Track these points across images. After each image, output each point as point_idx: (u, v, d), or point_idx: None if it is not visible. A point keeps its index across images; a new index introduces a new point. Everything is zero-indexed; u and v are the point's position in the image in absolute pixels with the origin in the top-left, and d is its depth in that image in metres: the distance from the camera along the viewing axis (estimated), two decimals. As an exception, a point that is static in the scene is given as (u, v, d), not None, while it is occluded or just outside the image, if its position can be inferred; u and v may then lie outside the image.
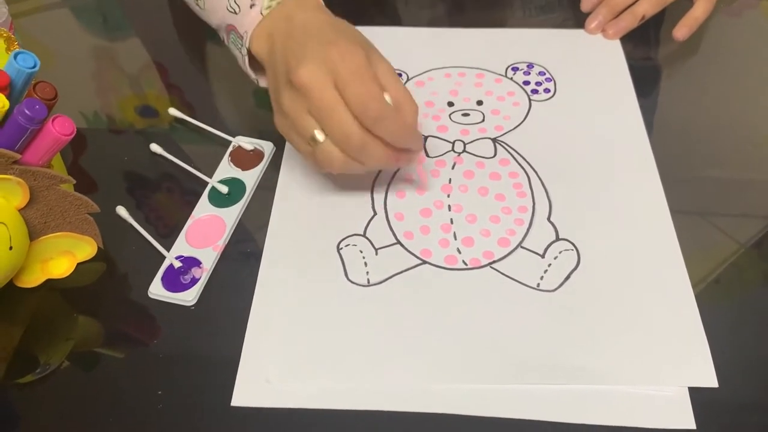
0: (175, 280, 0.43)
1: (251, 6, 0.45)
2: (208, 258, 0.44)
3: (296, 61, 0.39)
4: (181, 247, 0.45)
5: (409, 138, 0.41)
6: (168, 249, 0.44)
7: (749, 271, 0.44)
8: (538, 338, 0.39)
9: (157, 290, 0.42)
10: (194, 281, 0.43)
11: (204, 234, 0.46)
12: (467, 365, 0.38)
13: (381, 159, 0.41)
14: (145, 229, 0.45)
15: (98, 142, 0.54)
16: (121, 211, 0.47)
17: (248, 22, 0.45)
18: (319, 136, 0.40)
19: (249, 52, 0.46)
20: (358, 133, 0.39)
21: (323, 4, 0.46)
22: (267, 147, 0.51)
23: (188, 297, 0.42)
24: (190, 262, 0.44)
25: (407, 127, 0.41)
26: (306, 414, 0.37)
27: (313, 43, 0.40)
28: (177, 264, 0.44)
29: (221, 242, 0.45)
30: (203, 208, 0.47)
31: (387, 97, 0.40)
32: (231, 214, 0.47)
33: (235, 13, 0.46)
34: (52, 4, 0.69)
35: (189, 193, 0.48)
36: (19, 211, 0.39)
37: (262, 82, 0.48)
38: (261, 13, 0.45)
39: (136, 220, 0.46)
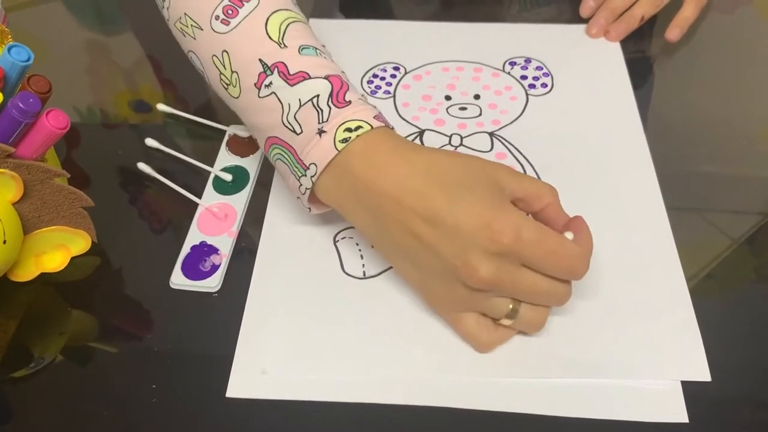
0: (195, 269, 0.43)
1: (320, 133, 0.37)
2: (225, 244, 0.44)
3: (457, 258, 0.34)
4: (195, 235, 0.45)
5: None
6: (181, 241, 0.44)
7: (743, 266, 0.44)
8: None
9: (178, 280, 0.42)
10: (215, 268, 0.43)
11: (216, 221, 0.46)
12: (461, 358, 0.38)
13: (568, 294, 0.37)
14: (142, 220, 0.45)
15: (93, 136, 0.54)
16: (143, 166, 0.49)
17: (317, 155, 0.37)
18: (517, 306, 0.36)
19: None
20: (563, 289, 0.36)
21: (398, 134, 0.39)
22: None
23: (212, 283, 0.42)
24: (208, 250, 0.44)
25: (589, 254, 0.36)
26: (301, 406, 0.37)
27: (450, 232, 0.34)
28: (199, 239, 0.44)
29: (235, 228, 0.45)
30: (210, 196, 0.48)
31: (568, 235, 0.36)
32: (239, 201, 0.47)
33: (294, 132, 0.38)
34: (45, -3, 0.69)
35: (188, 185, 0.48)
36: (13, 205, 0.39)
37: (315, 210, 0.42)
38: (335, 147, 0.36)
39: (132, 213, 0.46)
